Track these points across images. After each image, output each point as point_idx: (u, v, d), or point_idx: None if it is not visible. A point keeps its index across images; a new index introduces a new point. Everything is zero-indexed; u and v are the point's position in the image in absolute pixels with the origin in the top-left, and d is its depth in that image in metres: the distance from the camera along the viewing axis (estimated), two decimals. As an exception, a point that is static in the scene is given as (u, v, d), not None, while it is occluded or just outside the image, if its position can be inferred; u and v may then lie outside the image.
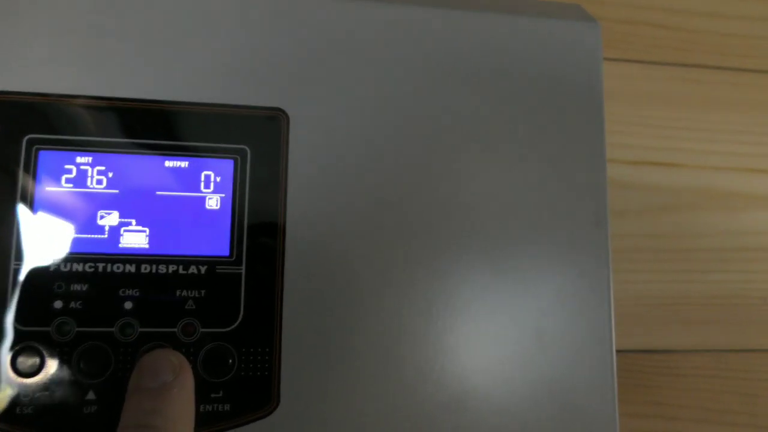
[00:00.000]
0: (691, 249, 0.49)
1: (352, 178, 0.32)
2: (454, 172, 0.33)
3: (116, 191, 0.30)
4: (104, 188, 0.30)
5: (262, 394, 0.30)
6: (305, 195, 0.31)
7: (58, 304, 0.28)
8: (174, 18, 0.31)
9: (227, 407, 0.29)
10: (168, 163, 0.30)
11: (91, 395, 0.28)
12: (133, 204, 0.30)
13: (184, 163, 0.30)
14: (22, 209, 0.29)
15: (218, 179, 0.31)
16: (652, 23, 0.51)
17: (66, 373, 0.28)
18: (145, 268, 0.29)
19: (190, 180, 0.30)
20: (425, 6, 0.34)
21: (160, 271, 0.29)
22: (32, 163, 0.29)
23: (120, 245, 0.29)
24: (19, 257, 0.28)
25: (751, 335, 0.48)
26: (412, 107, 0.33)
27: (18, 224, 0.29)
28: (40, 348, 0.28)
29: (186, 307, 0.29)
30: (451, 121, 0.33)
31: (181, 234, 0.30)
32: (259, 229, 0.31)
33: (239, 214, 0.30)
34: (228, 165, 0.31)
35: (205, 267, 0.30)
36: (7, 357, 0.28)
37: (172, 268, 0.30)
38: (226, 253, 0.30)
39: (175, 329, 0.29)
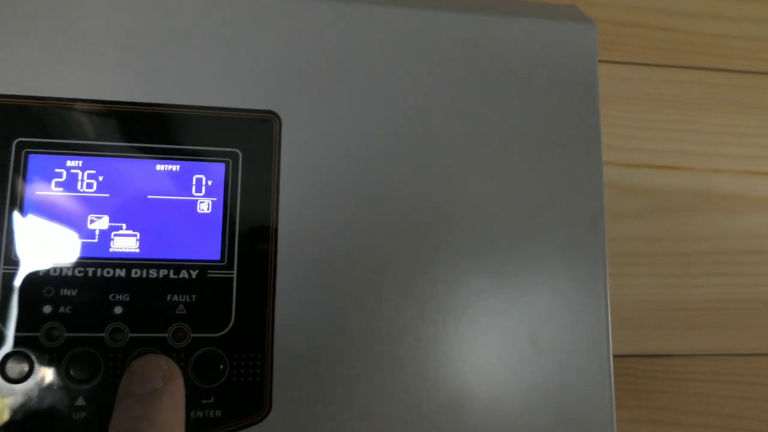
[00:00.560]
0: (691, 252, 0.48)
1: (344, 182, 0.32)
2: (449, 175, 0.33)
3: (107, 195, 0.29)
4: (94, 192, 0.29)
5: (254, 399, 0.29)
6: (297, 199, 0.31)
7: (47, 309, 0.28)
8: (165, 21, 0.31)
9: (218, 413, 0.29)
10: (159, 167, 0.30)
11: (80, 401, 0.28)
12: (123, 208, 0.29)
13: (175, 167, 0.30)
14: (11, 213, 0.29)
15: (210, 183, 0.30)
16: (649, 25, 0.51)
17: (55, 378, 0.28)
18: (135, 273, 0.29)
19: (181, 183, 0.30)
20: (419, 8, 0.34)
21: (150, 276, 0.29)
22: (22, 167, 0.29)
23: (110, 249, 0.29)
24: (7, 261, 0.28)
25: (752, 339, 0.48)
26: (406, 110, 0.33)
27: (7, 228, 0.28)
28: (29, 353, 0.28)
29: (177, 312, 0.29)
30: (446, 123, 0.33)
31: (172, 238, 0.30)
32: (251, 234, 0.30)
33: (231, 218, 0.30)
34: (220, 168, 0.30)
35: (197, 271, 0.30)
36: (-5, 363, 0.28)
37: (162, 272, 0.29)
38: (218, 257, 0.30)
39: (166, 334, 0.29)
